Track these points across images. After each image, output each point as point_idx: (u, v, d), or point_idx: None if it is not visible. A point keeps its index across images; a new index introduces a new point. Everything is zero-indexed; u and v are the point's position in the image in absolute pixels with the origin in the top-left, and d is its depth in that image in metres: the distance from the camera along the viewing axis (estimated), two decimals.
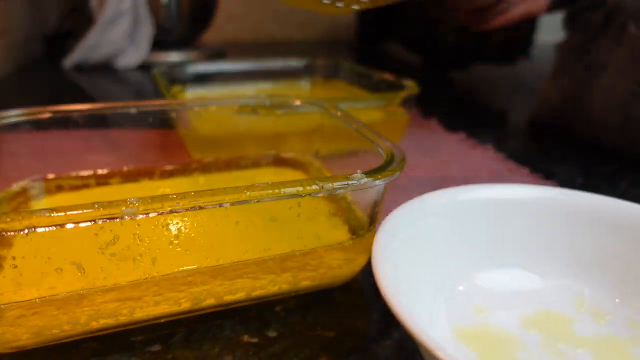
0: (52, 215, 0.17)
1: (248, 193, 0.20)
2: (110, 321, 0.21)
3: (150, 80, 0.71)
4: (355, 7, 0.36)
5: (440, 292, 0.23)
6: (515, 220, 0.25)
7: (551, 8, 0.51)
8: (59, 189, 0.32)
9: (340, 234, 0.25)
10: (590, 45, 0.49)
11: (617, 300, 0.24)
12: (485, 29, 0.50)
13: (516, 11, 0.47)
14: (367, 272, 0.28)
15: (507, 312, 0.23)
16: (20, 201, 0.31)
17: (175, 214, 0.20)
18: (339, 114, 0.32)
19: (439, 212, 0.24)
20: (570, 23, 0.51)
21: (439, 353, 0.15)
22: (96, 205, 0.18)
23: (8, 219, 0.17)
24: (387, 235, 0.21)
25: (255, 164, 0.38)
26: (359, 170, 0.22)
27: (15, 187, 0.31)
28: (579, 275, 0.25)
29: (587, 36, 0.49)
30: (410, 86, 0.45)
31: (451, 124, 0.53)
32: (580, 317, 0.23)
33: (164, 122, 0.35)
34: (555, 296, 0.24)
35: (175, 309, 0.22)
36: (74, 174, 0.33)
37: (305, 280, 0.24)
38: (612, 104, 0.46)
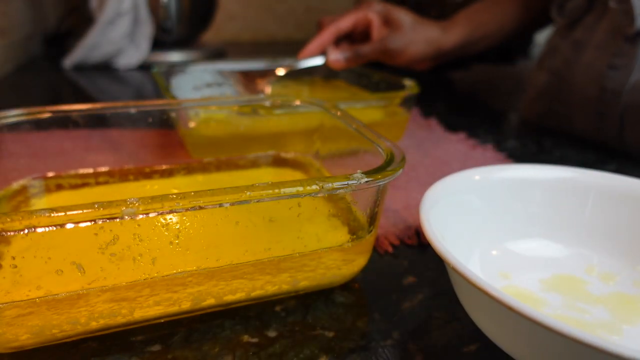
0: (52, 215, 0.17)
1: (248, 193, 0.20)
2: (110, 321, 0.21)
3: (150, 80, 0.71)
4: None
5: (472, 258, 0.27)
6: (540, 196, 0.29)
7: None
8: (59, 187, 0.32)
9: (340, 234, 0.25)
10: (576, 25, 0.50)
11: (623, 265, 0.27)
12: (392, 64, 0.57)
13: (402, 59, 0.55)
14: (367, 271, 0.28)
15: (527, 276, 0.26)
16: (20, 200, 0.31)
17: (175, 214, 0.20)
18: (339, 114, 0.32)
19: (473, 187, 0.28)
20: (558, 10, 0.53)
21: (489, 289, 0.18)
22: (96, 205, 0.18)
23: (8, 219, 0.17)
24: (429, 204, 0.24)
25: (255, 164, 0.38)
26: (359, 170, 0.22)
27: (15, 185, 0.31)
28: (590, 245, 0.28)
29: (573, 17, 0.51)
30: (410, 86, 0.45)
31: (451, 124, 0.53)
32: (592, 280, 0.26)
33: (164, 122, 0.35)
34: (569, 263, 0.28)
35: (175, 309, 0.22)
36: (73, 172, 0.33)
37: (305, 280, 0.24)
38: (591, 78, 0.48)
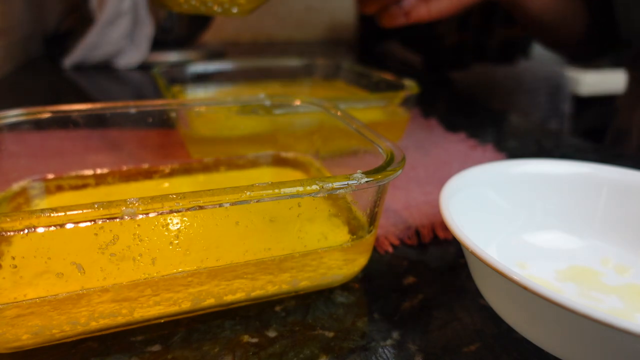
0: (52, 215, 0.17)
1: (248, 193, 0.20)
2: (110, 321, 0.21)
3: (150, 80, 0.71)
4: (234, 10, 0.36)
5: (489, 247, 0.27)
6: (557, 190, 0.30)
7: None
8: (59, 188, 0.32)
9: (341, 234, 0.25)
10: None
11: (638, 258, 0.28)
12: (391, 26, 0.45)
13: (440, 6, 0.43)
14: (367, 271, 0.28)
15: (544, 266, 0.27)
16: (20, 201, 0.31)
17: (175, 214, 0.20)
18: (339, 114, 0.32)
19: (491, 181, 0.29)
20: None
21: (512, 275, 0.18)
22: (96, 205, 0.18)
23: (8, 219, 0.17)
24: (448, 195, 0.25)
25: (255, 163, 0.38)
26: (359, 170, 0.22)
27: (15, 187, 0.31)
28: (606, 238, 0.29)
29: None
30: (410, 86, 0.45)
31: (451, 124, 0.53)
32: (606, 271, 0.27)
33: (164, 122, 0.35)
34: (585, 255, 0.28)
35: (175, 309, 0.22)
36: (73, 173, 0.33)
37: (305, 280, 0.24)
38: None
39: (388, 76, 0.50)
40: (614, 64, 0.99)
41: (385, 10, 0.45)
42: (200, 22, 0.89)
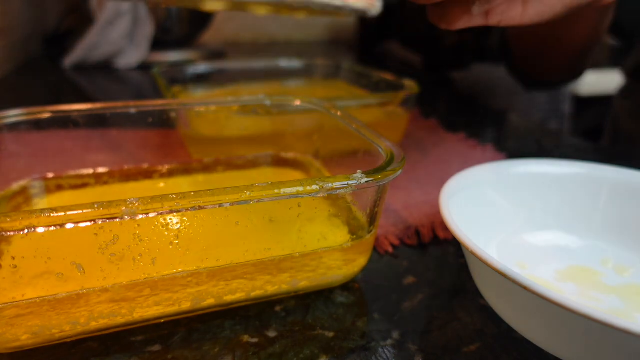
0: (52, 215, 0.17)
1: (248, 193, 0.20)
2: (110, 321, 0.21)
3: (150, 80, 0.71)
4: None
5: (489, 247, 0.27)
6: (557, 190, 0.30)
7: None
8: (59, 188, 0.32)
9: (341, 234, 0.25)
10: None
11: (638, 257, 0.28)
12: (449, 28, 0.32)
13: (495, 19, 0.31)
14: (367, 272, 0.28)
15: (544, 267, 0.27)
16: (20, 201, 0.31)
17: (175, 214, 0.20)
18: (339, 114, 0.32)
19: (491, 181, 0.29)
20: None
21: (509, 273, 0.18)
22: (96, 205, 0.18)
23: (8, 219, 0.17)
24: (448, 195, 0.25)
25: (255, 164, 0.38)
26: (359, 170, 0.22)
27: (15, 186, 0.31)
28: (605, 238, 0.29)
29: None
30: (410, 86, 0.45)
31: (451, 124, 0.53)
32: (606, 271, 0.27)
33: (164, 122, 0.35)
34: (585, 255, 0.28)
35: (175, 309, 0.22)
36: (73, 173, 0.33)
37: (305, 280, 0.24)
38: None
39: (388, 76, 0.50)
40: (614, 64, 0.99)
41: (450, 4, 0.31)
42: (200, 22, 0.89)
